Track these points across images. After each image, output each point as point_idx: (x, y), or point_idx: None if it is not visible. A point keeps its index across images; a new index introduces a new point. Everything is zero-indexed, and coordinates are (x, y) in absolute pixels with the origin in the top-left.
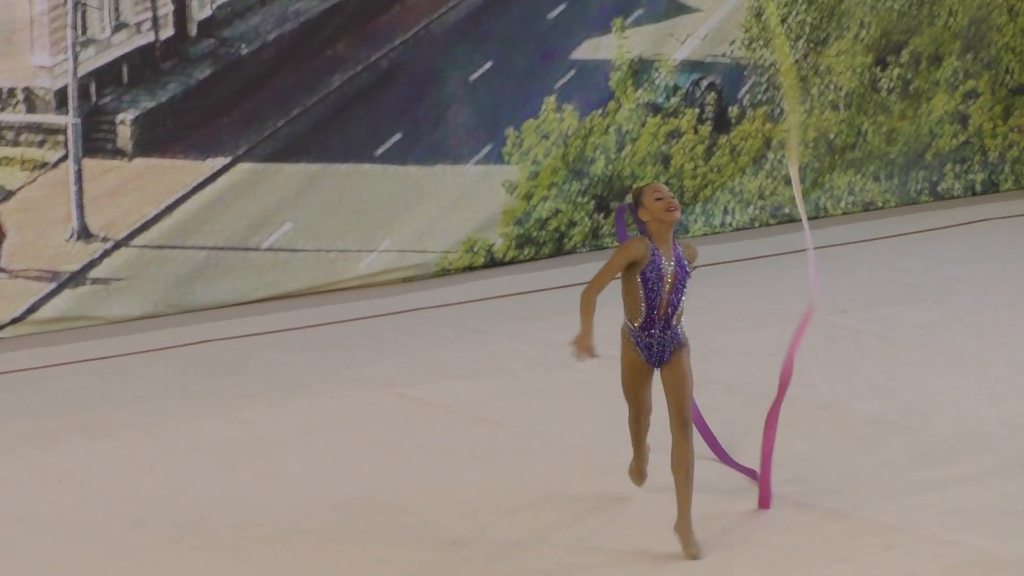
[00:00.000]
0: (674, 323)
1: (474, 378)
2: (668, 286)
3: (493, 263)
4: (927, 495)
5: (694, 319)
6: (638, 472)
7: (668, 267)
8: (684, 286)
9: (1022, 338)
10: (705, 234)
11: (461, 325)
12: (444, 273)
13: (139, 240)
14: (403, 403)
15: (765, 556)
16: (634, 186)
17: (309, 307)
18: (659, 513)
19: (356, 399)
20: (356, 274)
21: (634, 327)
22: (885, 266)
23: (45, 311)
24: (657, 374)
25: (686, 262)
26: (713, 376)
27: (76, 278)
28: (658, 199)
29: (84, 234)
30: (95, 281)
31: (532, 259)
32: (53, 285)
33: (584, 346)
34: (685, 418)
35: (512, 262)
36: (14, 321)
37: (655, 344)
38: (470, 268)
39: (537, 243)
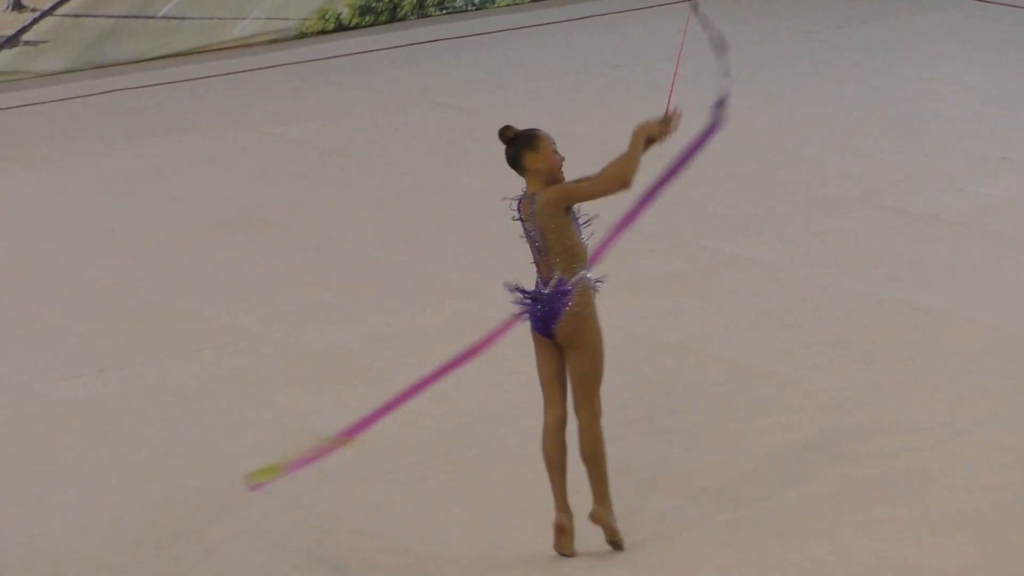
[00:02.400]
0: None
1: (326, 119)
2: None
3: (341, 28)
4: (690, 207)
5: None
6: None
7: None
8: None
9: (766, 77)
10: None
11: (316, 78)
12: (302, 36)
13: (61, 10)
14: (269, 140)
15: None
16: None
17: (195, 63)
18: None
19: (231, 137)
20: (232, 37)
21: (591, 275)
22: (649, 30)
23: None
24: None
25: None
26: None
27: (11, 41)
28: (555, 152)
29: (17, 5)
30: (26, 43)
31: (371, 25)
32: None
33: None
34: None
35: (356, 27)
36: None
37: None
38: (323, 32)
39: (375, 12)
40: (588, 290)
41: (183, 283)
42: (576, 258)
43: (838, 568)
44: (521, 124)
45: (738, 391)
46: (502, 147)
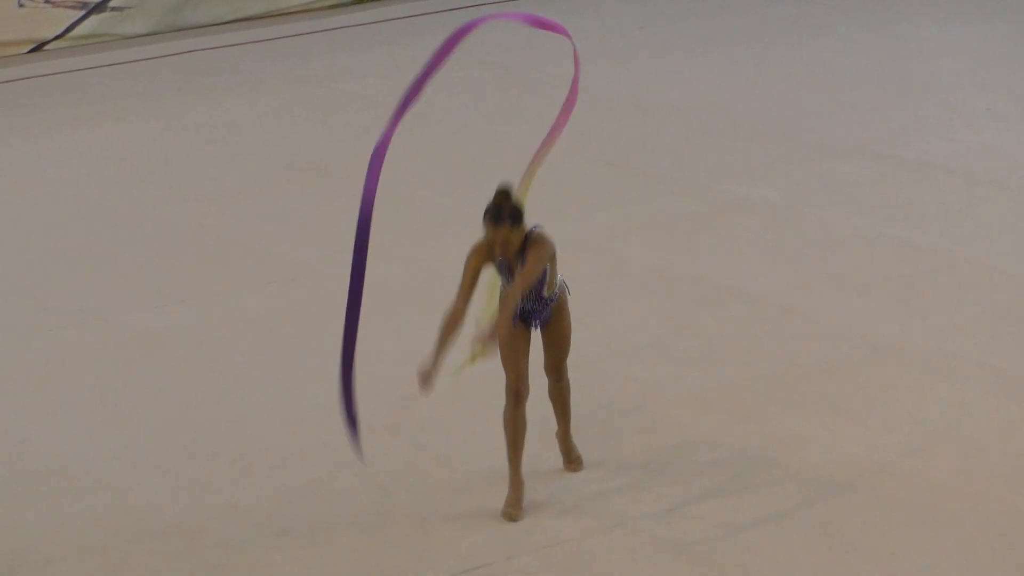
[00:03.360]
0: (545, 294)
1: (381, 76)
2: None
3: None
4: (706, 154)
5: None
6: (515, 502)
7: (516, 264)
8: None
9: (773, 38)
10: None
11: (372, 39)
12: (360, 2)
13: None
14: (331, 94)
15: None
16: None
17: (264, 26)
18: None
19: (298, 91)
20: (297, 2)
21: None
22: None
23: (79, 30)
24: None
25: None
26: None
27: (100, 6)
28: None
29: None
30: (113, 9)
31: None
32: (83, 12)
33: (423, 375)
34: (559, 368)
35: None
36: (56, 38)
37: (531, 313)
38: None
39: None
40: (563, 291)
41: (254, 223)
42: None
43: (839, 473)
44: (554, 80)
45: (749, 319)
46: (535, 100)
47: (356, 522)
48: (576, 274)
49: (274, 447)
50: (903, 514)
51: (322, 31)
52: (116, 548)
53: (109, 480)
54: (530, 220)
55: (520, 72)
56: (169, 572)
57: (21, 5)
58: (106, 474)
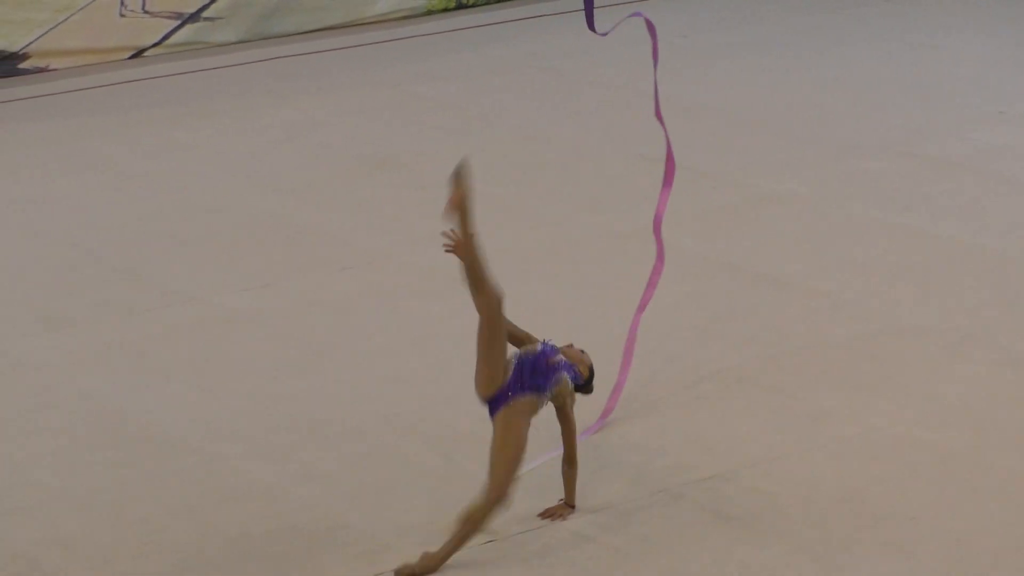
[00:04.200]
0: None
1: (450, 80)
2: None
3: (461, 7)
4: (741, 152)
5: None
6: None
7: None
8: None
9: (800, 45)
10: None
11: (440, 47)
12: (430, 13)
13: None
14: (405, 96)
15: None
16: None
17: (343, 35)
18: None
19: (374, 93)
20: (374, 13)
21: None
22: (708, 4)
23: (174, 38)
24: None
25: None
26: None
27: (194, 16)
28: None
29: None
30: (206, 19)
31: (486, 3)
32: (179, 21)
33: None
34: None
35: (473, 6)
36: (154, 45)
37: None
38: (446, 10)
39: None
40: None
41: (332, 213)
42: None
43: (863, 444)
44: (601, 80)
45: (780, 302)
46: (590, 102)
47: (422, 485)
48: (620, 261)
49: (349, 417)
50: (921, 481)
51: (395, 40)
52: (204, 508)
53: (199, 446)
54: (578, 210)
55: (572, 76)
56: (252, 531)
57: (122, 15)
58: (196, 440)
